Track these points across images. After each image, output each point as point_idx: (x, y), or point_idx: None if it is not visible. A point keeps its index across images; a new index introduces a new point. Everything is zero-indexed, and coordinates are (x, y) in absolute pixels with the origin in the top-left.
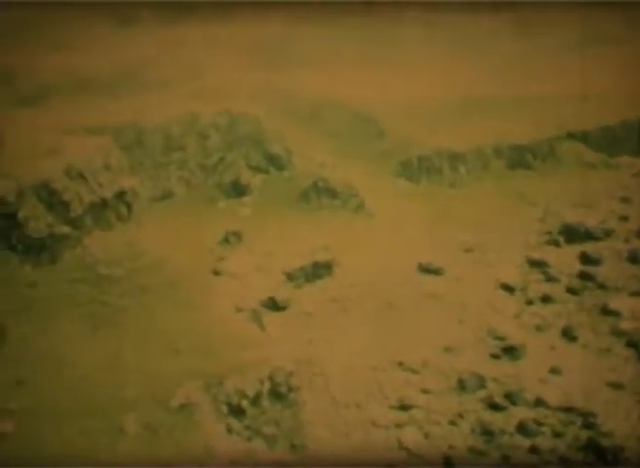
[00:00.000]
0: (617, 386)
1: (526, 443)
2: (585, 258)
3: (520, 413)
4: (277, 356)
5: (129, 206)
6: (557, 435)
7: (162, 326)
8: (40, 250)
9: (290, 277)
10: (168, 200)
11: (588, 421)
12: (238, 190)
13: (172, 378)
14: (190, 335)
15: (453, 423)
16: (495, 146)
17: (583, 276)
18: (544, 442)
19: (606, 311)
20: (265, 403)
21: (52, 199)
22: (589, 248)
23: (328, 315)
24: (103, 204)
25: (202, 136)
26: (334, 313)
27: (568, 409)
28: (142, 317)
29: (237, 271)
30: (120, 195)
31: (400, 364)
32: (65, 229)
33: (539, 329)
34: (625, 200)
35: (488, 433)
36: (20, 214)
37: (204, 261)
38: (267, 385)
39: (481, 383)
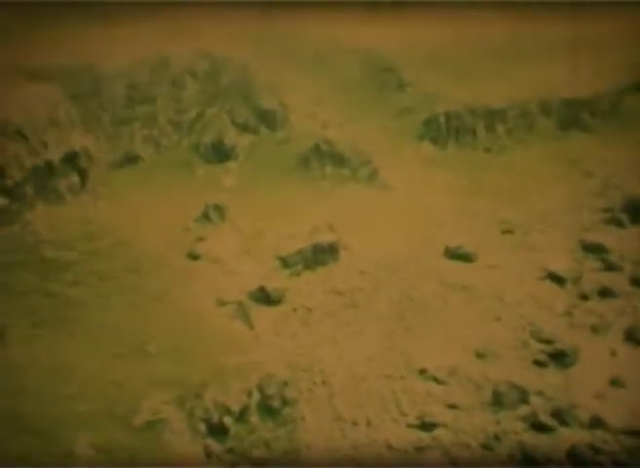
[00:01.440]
0: None
1: None
2: None
3: (572, 436)
4: (268, 361)
5: (82, 172)
6: (619, 464)
7: (124, 323)
8: None
9: (285, 263)
10: (132, 165)
11: None
12: (221, 154)
13: (136, 389)
14: (160, 335)
15: (487, 447)
16: (542, 101)
17: None
18: None
19: None
20: (254, 419)
21: None
22: None
23: (332, 310)
24: (49, 169)
25: (175, 86)
26: (339, 308)
27: (632, 433)
28: (99, 312)
29: (219, 255)
30: (71, 159)
31: (421, 372)
32: (0, 201)
33: (595, 329)
34: None
35: (531, 460)
36: None
37: (178, 243)
38: (256, 397)
39: (522, 397)
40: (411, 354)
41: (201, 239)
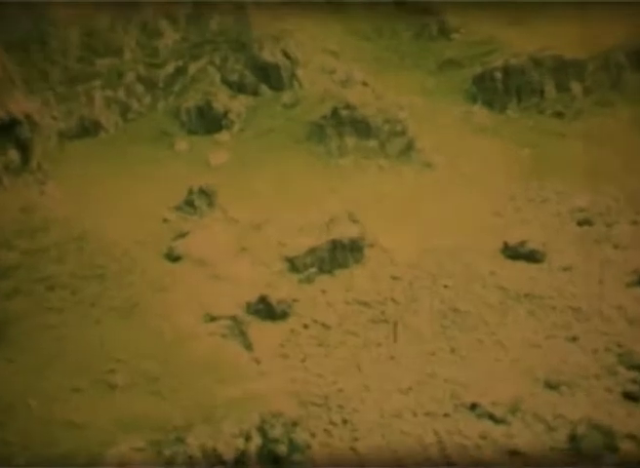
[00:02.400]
0: None
1: None
2: None
3: None
4: (272, 394)
5: (23, 146)
6: None
7: (82, 345)
8: None
9: (293, 266)
10: (91, 137)
11: None
12: (208, 122)
13: (100, 430)
14: (130, 361)
15: None
16: (631, 50)
17: None
18: None
19: None
20: None
21: None
22: None
23: (355, 328)
24: None
25: (147, 33)
26: (364, 324)
27: None
28: (48, 331)
29: (207, 255)
30: (8, 128)
31: (473, 407)
32: None
33: None
34: None
35: None
36: None
37: (153, 239)
38: (257, 442)
39: (608, 441)
40: (458, 384)
41: (183, 234)
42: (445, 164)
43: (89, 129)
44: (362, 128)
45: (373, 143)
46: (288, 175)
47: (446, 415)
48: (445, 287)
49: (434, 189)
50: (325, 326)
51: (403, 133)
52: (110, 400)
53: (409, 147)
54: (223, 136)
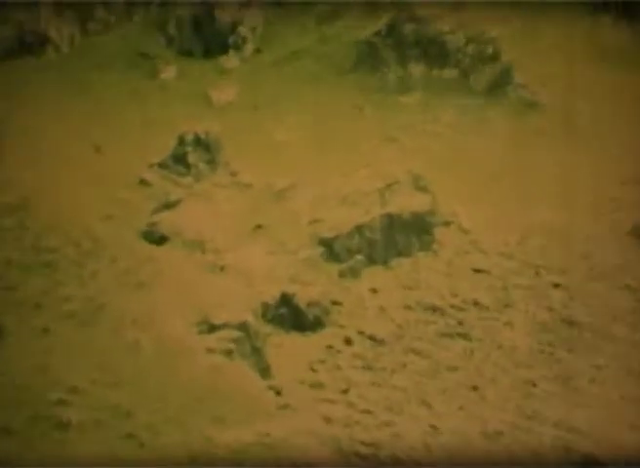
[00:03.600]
0: None
1: None
2: None
3: None
4: (298, 439)
5: None
6: None
7: (19, 365)
8: None
9: (331, 251)
10: (34, 56)
11: None
12: (210, 39)
13: None
14: (90, 389)
15: None
16: None
17: None
18: None
19: None
20: None
21: None
22: None
23: (421, 343)
24: None
25: None
26: (435, 339)
27: None
28: None
29: (205, 235)
30: None
31: (591, 462)
32: None
33: None
34: None
35: None
36: None
37: (127, 210)
38: None
39: None
40: (571, 430)
41: (170, 204)
42: (555, 105)
43: (31, 45)
44: (434, 50)
45: (450, 73)
46: (324, 120)
47: None
48: (554, 286)
49: (538, 143)
50: (376, 340)
51: (495, 58)
52: (58, 446)
53: (503, 80)
54: (231, 60)
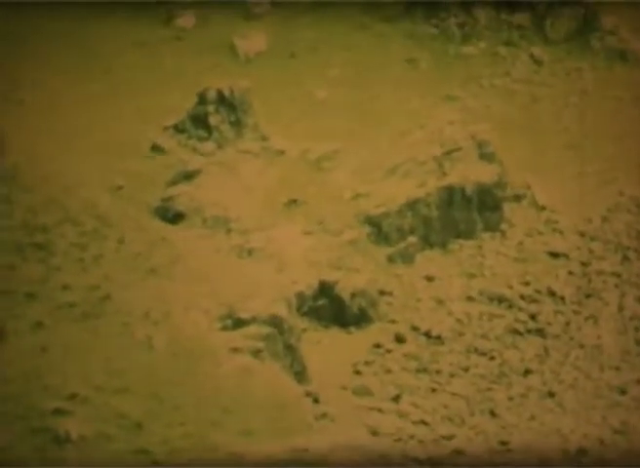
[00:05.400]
0: None
1: None
2: None
3: None
4: (341, 454)
5: None
6: None
7: (9, 367)
8: None
9: (379, 231)
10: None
11: None
12: None
13: None
14: (93, 395)
15: None
16: None
17: None
18: None
19: None
20: None
21: None
22: None
23: (487, 342)
24: None
25: None
26: (504, 337)
27: None
28: None
29: (229, 212)
30: None
31: None
32: None
33: None
34: None
35: None
36: None
37: (136, 182)
38: None
39: None
40: None
41: (188, 174)
42: None
43: None
44: None
45: (522, 19)
46: (372, 76)
47: None
48: None
49: (627, 102)
50: (434, 338)
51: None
52: (55, 466)
53: (587, 26)
54: (260, 3)
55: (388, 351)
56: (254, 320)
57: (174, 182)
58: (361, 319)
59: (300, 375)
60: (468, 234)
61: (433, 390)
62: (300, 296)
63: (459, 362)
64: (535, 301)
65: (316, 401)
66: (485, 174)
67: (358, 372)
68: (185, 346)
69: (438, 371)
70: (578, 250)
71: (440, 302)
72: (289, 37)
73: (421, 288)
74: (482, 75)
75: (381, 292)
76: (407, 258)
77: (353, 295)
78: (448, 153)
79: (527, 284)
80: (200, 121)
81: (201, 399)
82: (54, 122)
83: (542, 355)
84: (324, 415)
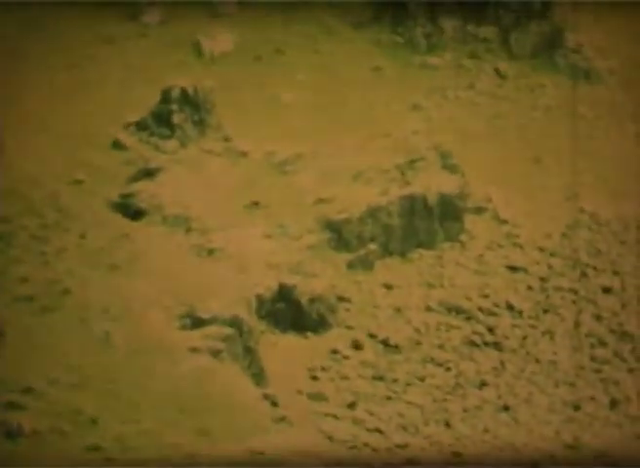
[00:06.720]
0: None
1: None
2: None
3: None
4: (297, 458)
5: None
6: None
7: None
8: None
9: (340, 237)
10: None
11: None
12: None
13: None
14: (47, 390)
15: None
16: None
17: None
18: None
19: None
20: None
21: None
22: None
23: (444, 352)
24: None
25: None
26: (460, 348)
27: None
28: None
29: (191, 210)
30: None
31: None
32: None
33: None
34: None
35: None
36: None
37: (96, 177)
38: None
39: None
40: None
41: (150, 171)
42: (615, 74)
43: None
44: (470, 2)
45: (488, 31)
46: (337, 81)
47: None
48: (603, 290)
49: (592, 119)
50: (391, 346)
51: (543, 15)
52: (6, 459)
53: (552, 42)
54: (228, 4)
55: (345, 357)
56: (214, 320)
57: (135, 179)
58: (319, 324)
59: (258, 378)
60: (429, 244)
61: (389, 398)
62: (260, 299)
63: (415, 371)
64: (493, 314)
65: (274, 404)
66: (447, 184)
67: (315, 378)
68: (144, 344)
69: (394, 380)
70: (537, 265)
71: (398, 311)
72: (255, 38)
73: (380, 295)
74: (446, 86)
75: (340, 299)
76: (367, 265)
77: (312, 301)
78: (411, 162)
79: (486, 296)
80: (163, 119)
81: (158, 397)
82: (17, 113)
83: (498, 368)
84: (281, 419)
